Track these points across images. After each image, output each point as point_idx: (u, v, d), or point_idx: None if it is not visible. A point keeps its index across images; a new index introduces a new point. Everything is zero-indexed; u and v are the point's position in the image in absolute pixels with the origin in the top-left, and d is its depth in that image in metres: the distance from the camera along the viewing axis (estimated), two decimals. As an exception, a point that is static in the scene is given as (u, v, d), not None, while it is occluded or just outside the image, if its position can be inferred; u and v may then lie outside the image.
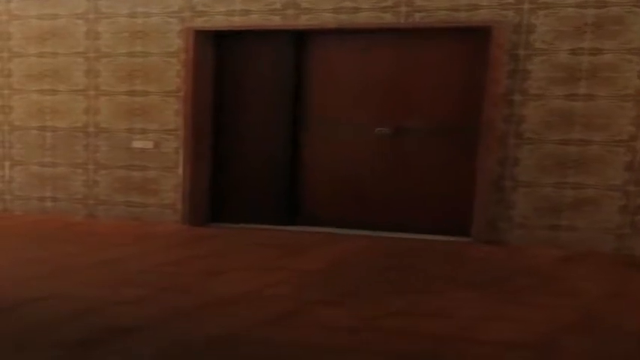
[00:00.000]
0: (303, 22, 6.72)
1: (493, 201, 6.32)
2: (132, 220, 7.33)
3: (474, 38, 6.61)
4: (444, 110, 6.78)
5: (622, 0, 5.87)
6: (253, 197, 7.38)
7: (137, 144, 7.22)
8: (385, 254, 5.99)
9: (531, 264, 5.58)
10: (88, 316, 3.84)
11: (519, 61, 6.13)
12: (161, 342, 3.39)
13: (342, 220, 7.14)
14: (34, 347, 3.28)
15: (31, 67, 7.52)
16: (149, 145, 7.17)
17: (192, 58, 7.02)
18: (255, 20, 6.82)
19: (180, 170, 7.10)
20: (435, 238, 6.76)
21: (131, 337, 3.45)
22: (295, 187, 7.31)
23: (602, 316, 4.13)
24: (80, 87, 7.37)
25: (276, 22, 6.79)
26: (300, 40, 7.13)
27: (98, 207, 7.46)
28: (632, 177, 6.01)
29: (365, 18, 6.54)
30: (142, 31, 7.13)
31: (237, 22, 6.88)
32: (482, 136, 6.45)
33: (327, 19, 6.64)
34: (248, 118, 7.32)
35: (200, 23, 6.98)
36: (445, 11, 6.31)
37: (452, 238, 6.72)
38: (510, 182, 6.27)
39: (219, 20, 6.96)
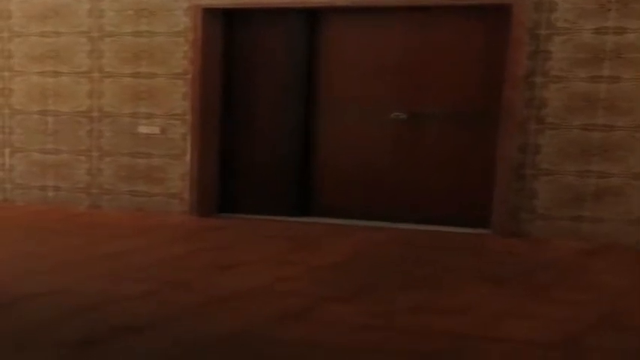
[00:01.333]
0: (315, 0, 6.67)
1: (514, 190, 6.22)
2: (137, 210, 7.27)
3: (493, 16, 6.50)
4: (461, 94, 6.70)
5: (649, -23, 5.81)
6: (264, 186, 7.30)
7: (143, 129, 7.18)
8: (401, 247, 5.94)
9: (553, 257, 5.52)
10: (90, 313, 3.80)
11: (540, 41, 6.02)
12: (166, 341, 3.34)
13: (356, 211, 7.07)
14: (34, 346, 3.25)
15: (32, 48, 7.46)
16: (155, 130, 7.12)
17: (200, 37, 6.92)
18: (265, -2, 6.78)
19: (187, 157, 7.06)
20: (453, 230, 6.68)
21: (135, 336, 3.41)
22: (307, 175, 7.24)
23: (627, 313, 4.08)
24: (83, 69, 7.30)
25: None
26: (312, 19, 7.03)
27: (102, 197, 7.41)
28: (658, 165, 5.97)
29: (380, -4, 6.51)
30: (147, 9, 7.04)
31: (247, -1, 6.83)
32: (502, 121, 6.37)
33: (340, -4, 6.60)
34: (258, 102, 7.25)
35: (208, 0, 6.88)
36: (464, -11, 6.27)
37: (471, 230, 6.66)
38: (531, 170, 6.19)
39: (228, -3, 6.91)
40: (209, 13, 6.98)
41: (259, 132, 7.27)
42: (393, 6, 6.55)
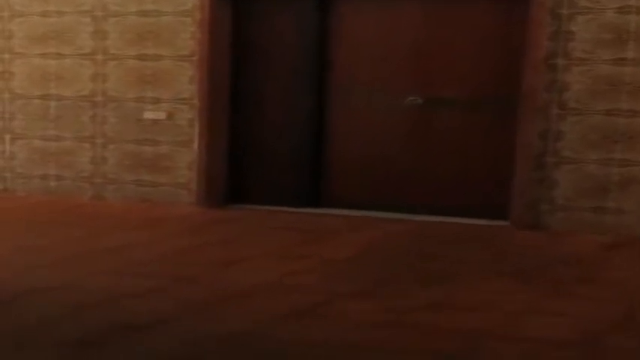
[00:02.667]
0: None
1: (534, 180, 6.17)
2: (142, 201, 7.25)
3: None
4: (479, 77, 6.63)
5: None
6: (274, 176, 7.24)
7: (149, 115, 7.15)
8: (417, 240, 5.90)
9: (574, 251, 5.46)
10: (92, 310, 3.79)
11: (562, 21, 5.96)
12: (171, 340, 3.32)
13: (370, 202, 7.01)
14: (34, 345, 3.23)
15: (34, 28, 7.42)
16: (161, 116, 7.10)
17: (208, 17, 6.86)
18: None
19: (195, 145, 7.06)
20: (469, 221, 6.63)
21: (138, 335, 3.38)
22: (320, 164, 7.22)
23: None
24: (87, 50, 7.29)
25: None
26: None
27: (106, 186, 7.39)
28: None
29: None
30: (153, -14, 7.01)
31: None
32: (522, 106, 6.33)
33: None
34: (268, 86, 7.21)
35: (216, -22, 6.84)
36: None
37: (488, 222, 6.61)
38: (553, 159, 6.13)
39: (237, -25, 6.87)
40: (217, -9, 6.94)
41: (269, 118, 7.23)
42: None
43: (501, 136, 6.60)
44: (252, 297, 4.12)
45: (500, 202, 6.58)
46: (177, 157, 7.13)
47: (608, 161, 5.98)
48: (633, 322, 3.82)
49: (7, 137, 7.62)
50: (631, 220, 6.00)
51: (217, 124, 7.14)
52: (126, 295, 4.05)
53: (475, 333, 3.54)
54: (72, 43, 7.32)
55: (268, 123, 7.24)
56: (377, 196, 7.02)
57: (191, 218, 6.64)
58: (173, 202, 7.16)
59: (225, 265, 4.83)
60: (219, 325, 3.58)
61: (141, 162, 7.25)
